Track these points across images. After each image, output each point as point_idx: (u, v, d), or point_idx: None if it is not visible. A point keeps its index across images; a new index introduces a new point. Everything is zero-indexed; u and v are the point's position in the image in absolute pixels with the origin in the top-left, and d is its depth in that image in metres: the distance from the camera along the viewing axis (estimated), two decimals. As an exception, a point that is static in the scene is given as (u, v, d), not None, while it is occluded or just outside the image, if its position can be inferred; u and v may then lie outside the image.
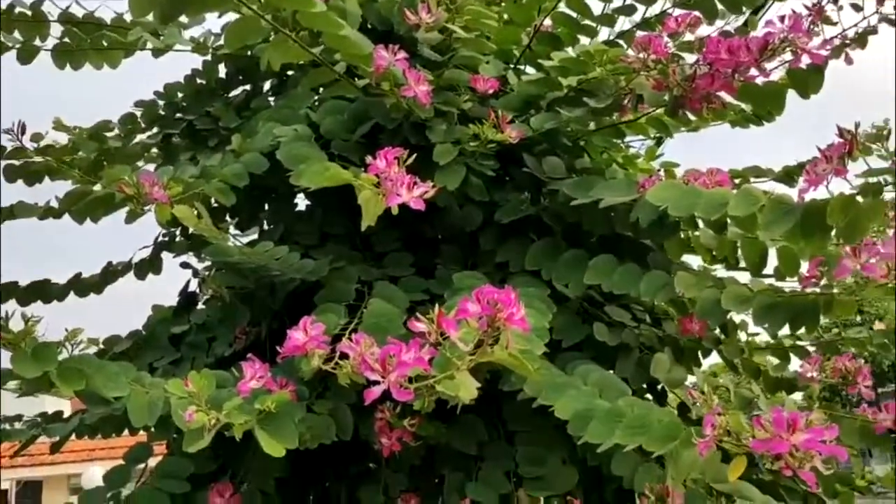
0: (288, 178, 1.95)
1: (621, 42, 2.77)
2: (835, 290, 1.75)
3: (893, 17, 2.13)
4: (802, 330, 2.56)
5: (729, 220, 2.10)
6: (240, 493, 2.29)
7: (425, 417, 2.27)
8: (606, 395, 1.86)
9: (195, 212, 2.00)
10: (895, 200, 1.73)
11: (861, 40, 2.17)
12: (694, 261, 2.76)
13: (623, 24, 2.77)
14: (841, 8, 2.14)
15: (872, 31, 2.17)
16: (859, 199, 1.55)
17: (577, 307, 2.42)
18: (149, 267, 2.94)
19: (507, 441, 2.38)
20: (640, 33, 2.63)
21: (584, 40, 2.73)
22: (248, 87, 3.07)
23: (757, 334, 2.52)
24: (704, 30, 2.35)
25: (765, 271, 2.32)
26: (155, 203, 1.92)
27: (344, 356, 1.73)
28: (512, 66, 2.79)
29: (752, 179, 2.78)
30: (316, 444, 2.06)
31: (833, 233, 1.60)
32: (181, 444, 2.43)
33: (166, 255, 3.03)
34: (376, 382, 1.41)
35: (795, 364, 2.71)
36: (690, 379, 2.63)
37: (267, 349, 2.47)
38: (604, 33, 2.79)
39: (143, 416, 1.76)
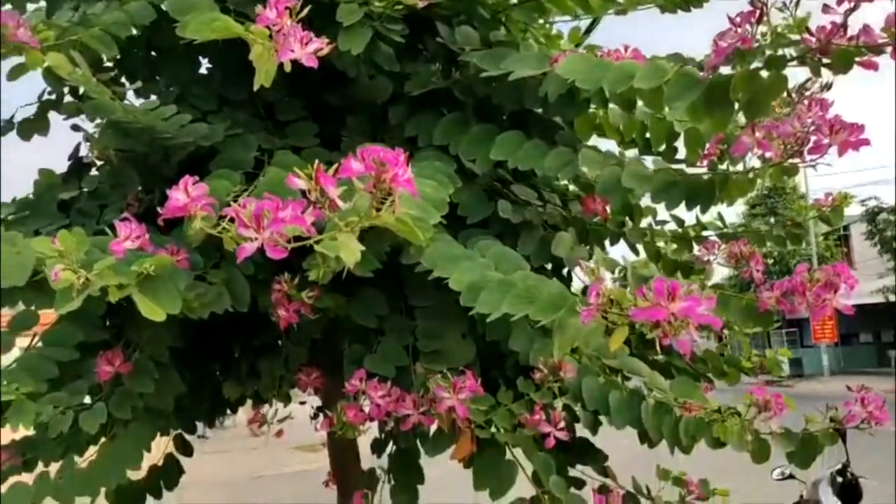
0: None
1: None
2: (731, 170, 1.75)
3: None
4: (705, 217, 2.61)
5: (639, 101, 2.06)
6: (131, 361, 2.23)
7: (324, 290, 2.23)
8: (502, 269, 1.85)
9: (71, 61, 1.83)
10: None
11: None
12: (608, 147, 2.74)
13: None
14: None
15: None
16: (763, 73, 1.52)
17: (485, 185, 2.38)
18: (34, 126, 2.73)
19: (408, 316, 2.38)
20: None
21: None
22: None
23: (666, 222, 2.54)
24: None
25: (677, 158, 2.32)
26: (23, 48, 1.74)
27: (231, 220, 1.67)
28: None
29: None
30: (206, 312, 2.00)
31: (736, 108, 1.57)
32: (72, 312, 2.37)
33: (55, 120, 2.82)
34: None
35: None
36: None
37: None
38: None
39: (14, 274, 1.65)
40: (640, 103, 2.04)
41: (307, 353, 2.59)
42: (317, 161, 1.26)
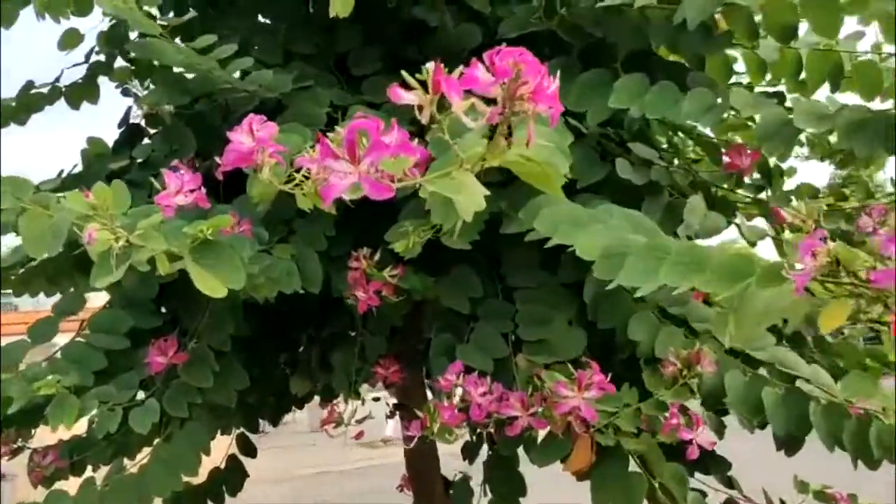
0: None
1: None
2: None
3: None
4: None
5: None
6: (187, 350, 1.92)
7: (409, 267, 1.90)
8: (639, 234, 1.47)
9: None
10: None
11: None
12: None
13: None
14: None
15: None
16: None
17: (594, 143, 2.00)
18: (82, 92, 2.46)
19: (506, 298, 2.02)
20: None
21: None
22: None
23: (807, 185, 2.13)
24: None
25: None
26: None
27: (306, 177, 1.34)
28: None
29: None
30: (273, 291, 1.68)
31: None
32: (121, 294, 2.08)
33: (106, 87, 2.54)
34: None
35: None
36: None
37: (221, 190, 2.06)
38: None
39: (45, 242, 1.36)
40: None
41: (386, 343, 2.26)
42: (435, 62, 0.91)
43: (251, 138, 1.23)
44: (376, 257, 1.90)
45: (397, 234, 1.70)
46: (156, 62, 1.90)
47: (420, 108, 0.90)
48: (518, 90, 0.93)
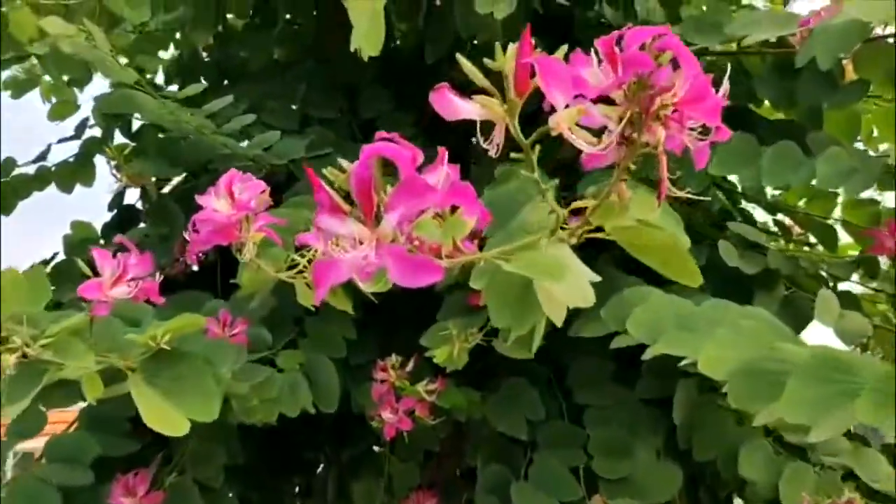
0: None
1: None
2: None
3: None
4: None
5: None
6: (165, 487, 1.49)
7: (450, 380, 1.48)
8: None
9: (82, 31, 1.19)
10: None
11: None
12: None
13: None
14: None
15: None
16: None
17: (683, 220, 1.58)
18: (75, 174, 2.13)
19: (573, 420, 1.58)
20: None
21: None
22: None
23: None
24: None
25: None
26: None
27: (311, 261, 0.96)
28: None
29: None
30: (273, 415, 1.27)
31: None
32: (89, 410, 1.68)
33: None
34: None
35: None
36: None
37: (218, 277, 1.68)
38: None
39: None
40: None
41: (419, 473, 1.81)
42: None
43: (230, 203, 0.84)
44: (409, 367, 1.48)
45: (437, 338, 1.30)
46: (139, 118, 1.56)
47: (486, 127, 0.51)
48: (654, 98, 0.53)
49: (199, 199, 0.87)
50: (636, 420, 1.57)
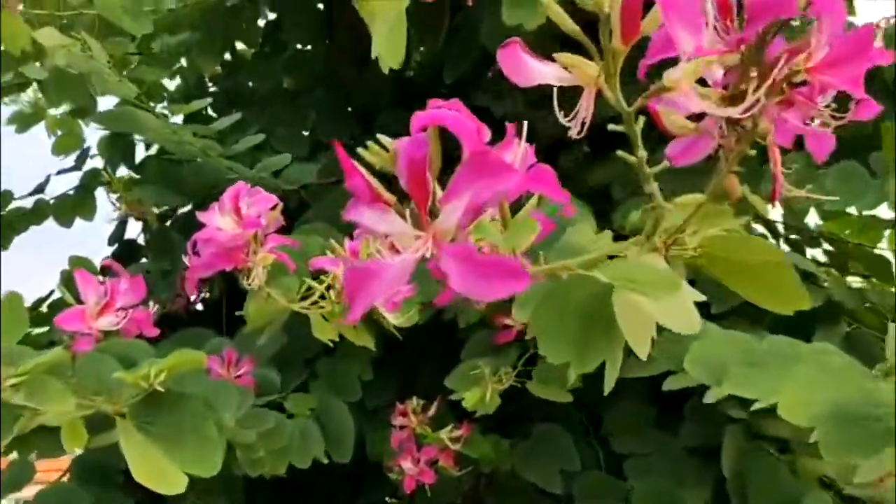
0: None
1: None
2: None
3: None
4: None
5: None
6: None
7: (477, 426, 1.34)
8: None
9: (79, 43, 1.09)
10: None
11: None
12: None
13: None
14: None
15: None
16: None
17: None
18: (75, 207, 2.02)
19: (611, 470, 1.43)
20: None
21: None
22: None
23: None
24: None
25: None
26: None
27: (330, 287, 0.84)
28: None
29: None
30: (282, 467, 1.13)
31: None
32: (80, 460, 1.55)
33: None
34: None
35: None
36: None
37: (223, 312, 1.56)
38: None
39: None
40: None
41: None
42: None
43: (236, 221, 0.72)
44: (431, 411, 1.35)
45: (465, 378, 1.16)
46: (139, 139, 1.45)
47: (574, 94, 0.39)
48: (782, 62, 0.41)
49: (201, 216, 0.75)
50: (681, 470, 1.42)
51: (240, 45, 2.08)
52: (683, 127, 0.48)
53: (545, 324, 0.68)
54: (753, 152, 0.46)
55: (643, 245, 0.44)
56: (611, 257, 0.53)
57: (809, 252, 1.79)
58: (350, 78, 1.88)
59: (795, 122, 0.49)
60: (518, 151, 0.39)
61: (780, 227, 1.76)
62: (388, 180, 0.40)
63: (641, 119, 0.40)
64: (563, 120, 0.41)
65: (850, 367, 0.88)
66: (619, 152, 0.41)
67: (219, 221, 0.73)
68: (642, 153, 0.40)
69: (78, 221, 2.03)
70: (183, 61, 1.96)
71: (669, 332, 1.07)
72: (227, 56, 2.02)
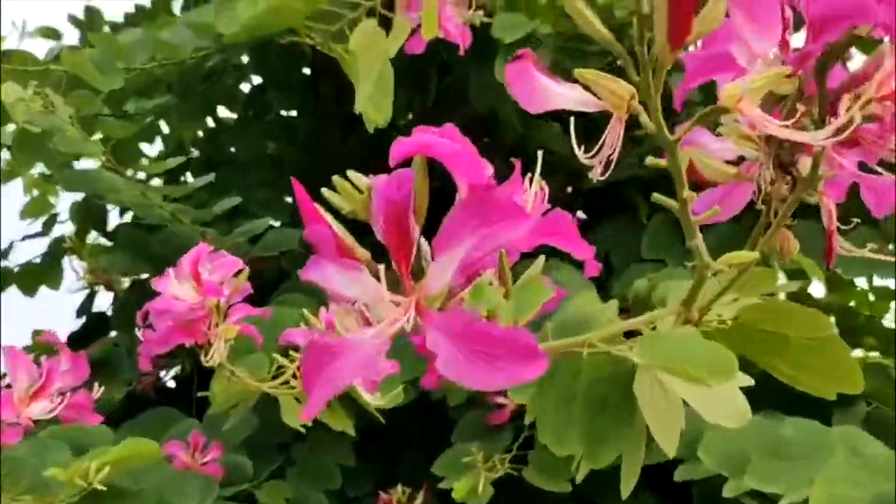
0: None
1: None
2: None
3: None
4: None
5: None
6: None
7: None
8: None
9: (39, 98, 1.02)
10: None
11: None
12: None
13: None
14: None
15: None
16: None
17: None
18: (40, 275, 1.92)
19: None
20: None
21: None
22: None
23: None
24: None
25: None
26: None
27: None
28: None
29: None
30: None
31: None
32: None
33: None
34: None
35: None
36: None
37: (195, 389, 1.45)
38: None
39: None
40: None
41: None
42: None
43: (195, 288, 0.63)
44: (417, 501, 1.23)
45: (455, 465, 1.05)
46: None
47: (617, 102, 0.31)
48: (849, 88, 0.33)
49: (156, 284, 0.66)
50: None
51: (222, 110, 2.03)
52: (724, 173, 0.40)
53: (548, 408, 0.59)
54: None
55: (679, 316, 0.35)
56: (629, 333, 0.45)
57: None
58: (335, 143, 1.82)
59: (851, 168, 0.42)
60: (530, 191, 0.30)
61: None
62: (361, 230, 0.32)
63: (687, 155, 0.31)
64: (582, 157, 0.32)
65: (888, 457, 0.78)
66: (656, 195, 0.32)
67: (176, 289, 0.64)
68: (688, 194, 0.31)
69: (46, 291, 1.93)
70: (164, 126, 1.91)
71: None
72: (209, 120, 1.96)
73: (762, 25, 0.28)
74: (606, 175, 0.33)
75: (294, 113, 1.98)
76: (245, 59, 1.83)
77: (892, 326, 1.54)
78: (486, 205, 0.25)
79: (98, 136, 1.48)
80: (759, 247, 0.38)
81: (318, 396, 0.27)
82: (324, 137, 1.88)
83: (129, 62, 1.14)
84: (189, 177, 1.92)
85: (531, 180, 0.32)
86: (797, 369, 0.53)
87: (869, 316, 1.53)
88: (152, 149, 2.04)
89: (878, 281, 1.64)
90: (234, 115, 2.00)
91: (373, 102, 0.97)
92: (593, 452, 0.55)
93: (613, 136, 0.31)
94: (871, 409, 1.28)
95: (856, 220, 0.46)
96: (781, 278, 0.60)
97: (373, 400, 0.69)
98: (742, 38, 0.28)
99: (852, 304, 1.71)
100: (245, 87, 2.00)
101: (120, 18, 1.78)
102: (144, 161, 1.94)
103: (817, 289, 1.72)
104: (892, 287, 1.55)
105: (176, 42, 1.21)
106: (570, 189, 1.58)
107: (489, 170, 0.29)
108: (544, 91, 0.31)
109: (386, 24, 0.89)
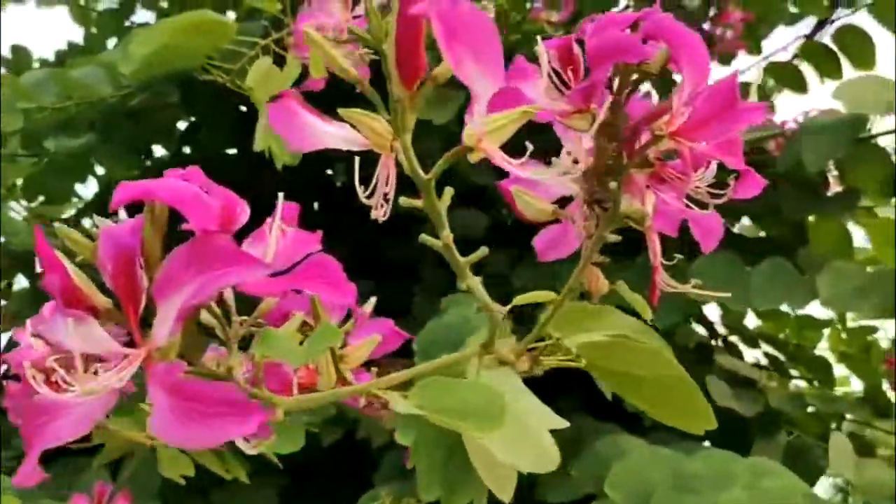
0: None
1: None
2: None
3: None
4: None
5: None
6: None
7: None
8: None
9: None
10: None
11: None
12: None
13: None
14: None
15: None
16: None
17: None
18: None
19: None
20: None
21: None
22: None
23: None
24: None
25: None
26: None
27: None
28: None
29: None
30: None
31: None
32: None
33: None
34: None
35: None
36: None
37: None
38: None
39: None
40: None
41: None
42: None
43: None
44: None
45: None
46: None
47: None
48: (643, 125, 0.33)
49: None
50: None
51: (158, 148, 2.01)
52: (540, 211, 0.39)
53: (421, 452, 0.57)
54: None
55: (480, 358, 0.34)
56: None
57: (751, 353, 1.71)
58: (271, 182, 1.80)
59: (676, 205, 0.41)
60: (275, 232, 0.29)
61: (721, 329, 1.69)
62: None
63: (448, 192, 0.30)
64: (362, 197, 0.31)
65: (787, 489, 0.78)
66: (423, 235, 0.31)
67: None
68: (447, 234, 0.30)
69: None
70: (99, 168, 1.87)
71: (591, 452, 0.96)
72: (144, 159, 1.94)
73: (480, 64, 0.27)
74: (385, 215, 0.32)
75: (230, 151, 1.97)
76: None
77: (822, 355, 1.55)
78: (205, 251, 0.24)
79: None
80: (569, 284, 0.37)
81: (34, 451, 0.25)
82: (259, 175, 1.86)
83: (36, 101, 1.12)
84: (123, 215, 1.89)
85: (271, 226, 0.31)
86: (654, 406, 0.52)
87: (797, 344, 1.54)
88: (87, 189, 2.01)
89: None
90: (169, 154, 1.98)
91: (276, 140, 0.96)
92: (449, 495, 0.54)
93: (384, 175, 0.30)
94: (792, 439, 1.28)
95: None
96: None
97: (247, 449, 0.67)
98: (460, 75, 0.27)
99: (786, 331, 1.71)
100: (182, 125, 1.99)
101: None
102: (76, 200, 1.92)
103: (751, 320, 1.73)
104: (821, 317, 1.56)
105: (89, 81, 1.19)
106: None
107: (241, 214, 0.28)
108: (311, 129, 0.30)
109: (281, 62, 0.88)
